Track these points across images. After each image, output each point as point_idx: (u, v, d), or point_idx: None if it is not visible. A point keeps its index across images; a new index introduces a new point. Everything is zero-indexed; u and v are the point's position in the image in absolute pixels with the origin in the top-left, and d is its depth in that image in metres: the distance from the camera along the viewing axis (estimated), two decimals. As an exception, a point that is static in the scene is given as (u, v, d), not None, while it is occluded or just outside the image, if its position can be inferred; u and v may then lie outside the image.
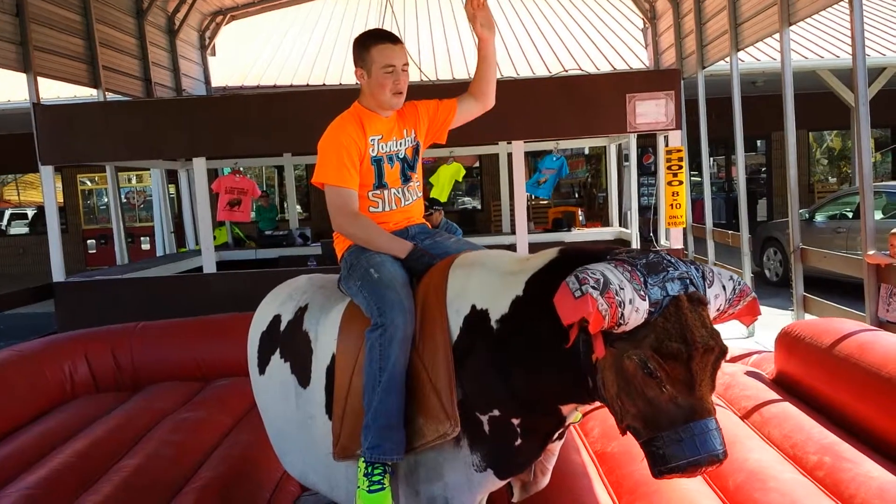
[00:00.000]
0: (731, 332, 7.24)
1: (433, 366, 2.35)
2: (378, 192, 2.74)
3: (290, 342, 2.81)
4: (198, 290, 6.50)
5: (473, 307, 2.33)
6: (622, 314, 1.89)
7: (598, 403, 2.16)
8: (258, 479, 3.44)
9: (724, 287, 2.08)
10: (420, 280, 2.56)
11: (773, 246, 10.61)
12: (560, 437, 2.53)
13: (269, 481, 3.46)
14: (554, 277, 2.06)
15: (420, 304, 2.47)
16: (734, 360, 4.53)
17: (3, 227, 17.83)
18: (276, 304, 2.98)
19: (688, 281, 1.98)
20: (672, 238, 6.62)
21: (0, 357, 4.38)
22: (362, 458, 2.38)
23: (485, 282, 2.36)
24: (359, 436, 2.42)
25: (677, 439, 1.88)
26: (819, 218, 10.08)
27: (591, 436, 3.45)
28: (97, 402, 4.42)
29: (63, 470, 3.29)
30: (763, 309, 2.16)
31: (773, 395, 3.59)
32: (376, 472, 2.36)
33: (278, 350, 2.85)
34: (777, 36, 6.25)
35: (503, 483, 2.42)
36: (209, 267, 6.68)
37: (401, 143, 2.80)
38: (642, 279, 1.94)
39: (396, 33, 2.83)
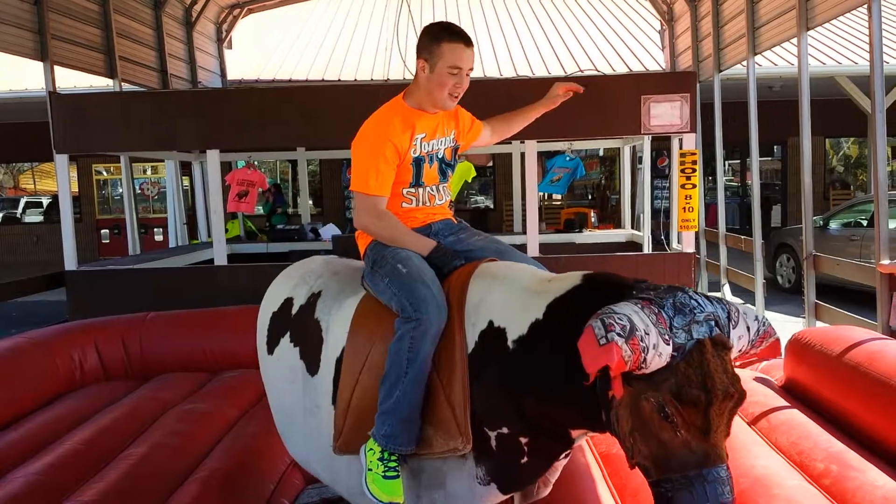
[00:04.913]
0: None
1: (449, 379, 2.32)
2: (413, 190, 2.72)
3: (301, 327, 2.80)
4: (208, 282, 6.52)
5: (491, 323, 2.30)
6: (645, 359, 1.84)
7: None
8: (263, 470, 3.45)
9: (748, 328, 2.05)
10: (442, 284, 2.51)
11: (786, 252, 10.55)
12: (566, 457, 2.50)
13: (273, 473, 3.48)
14: (576, 307, 2.06)
15: None
16: (743, 365, 4.50)
17: (19, 215, 17.96)
18: (290, 286, 2.97)
19: (713, 323, 1.93)
20: (684, 241, 6.59)
21: (11, 344, 4.42)
22: (375, 441, 2.36)
23: (504, 298, 2.33)
24: (362, 431, 2.41)
25: (687, 484, 1.84)
26: (833, 225, 10.01)
27: (596, 437, 3.44)
28: (106, 390, 4.45)
29: (69, 457, 3.32)
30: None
31: (782, 402, 3.57)
32: (392, 458, 2.35)
33: (289, 333, 2.85)
34: (795, 40, 6.22)
35: (506, 497, 2.41)
36: (220, 259, 6.71)
37: (441, 142, 2.77)
38: (668, 322, 1.88)
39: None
